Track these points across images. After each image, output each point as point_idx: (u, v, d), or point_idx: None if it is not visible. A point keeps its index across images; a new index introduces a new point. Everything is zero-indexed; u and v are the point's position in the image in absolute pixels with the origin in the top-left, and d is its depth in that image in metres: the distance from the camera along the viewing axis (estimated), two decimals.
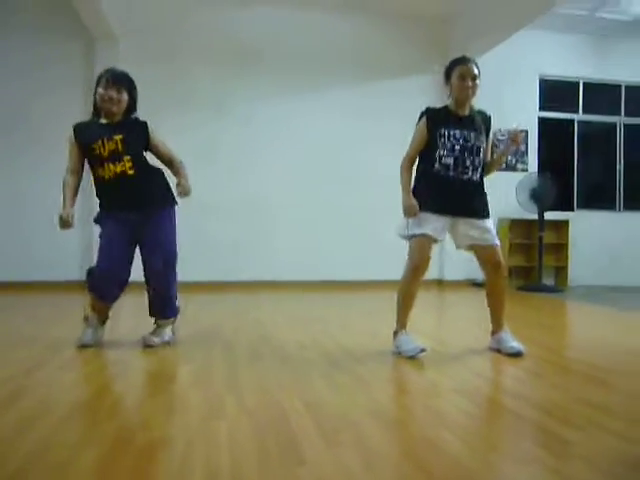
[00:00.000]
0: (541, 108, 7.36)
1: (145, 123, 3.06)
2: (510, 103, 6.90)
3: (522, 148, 7.21)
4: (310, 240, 6.60)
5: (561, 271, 7.27)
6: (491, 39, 6.17)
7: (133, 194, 2.97)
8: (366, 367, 2.67)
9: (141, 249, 3.06)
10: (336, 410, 2.02)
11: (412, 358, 2.83)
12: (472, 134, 2.94)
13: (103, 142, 2.91)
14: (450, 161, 2.91)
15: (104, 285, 3.00)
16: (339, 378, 2.46)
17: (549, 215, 6.87)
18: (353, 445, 1.67)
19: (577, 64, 7.40)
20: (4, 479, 1.42)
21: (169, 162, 3.13)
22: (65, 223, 2.87)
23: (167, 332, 3.17)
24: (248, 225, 6.48)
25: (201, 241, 6.26)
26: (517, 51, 6.81)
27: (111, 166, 2.92)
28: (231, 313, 4.40)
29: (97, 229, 3.08)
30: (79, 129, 3.03)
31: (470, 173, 2.94)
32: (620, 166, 7.69)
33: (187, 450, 1.62)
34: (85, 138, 2.98)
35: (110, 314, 3.18)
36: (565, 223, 7.19)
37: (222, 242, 6.36)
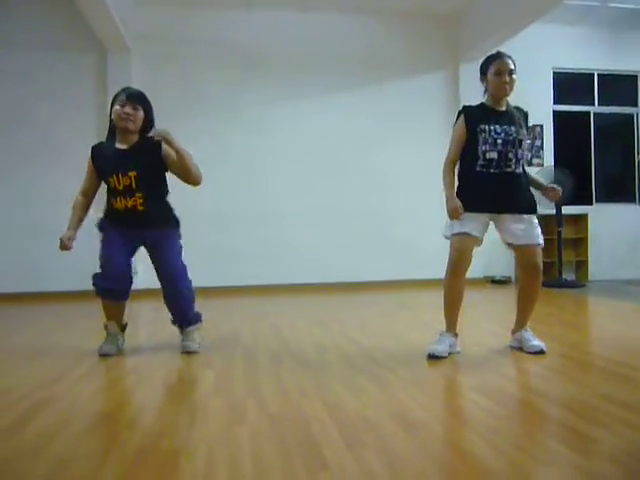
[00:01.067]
0: (555, 102, 7.29)
1: (159, 144, 2.97)
2: (524, 98, 6.76)
3: (537, 143, 7.15)
4: (325, 242, 6.59)
5: (581, 266, 7.19)
6: (502, 34, 6.12)
7: (140, 223, 3.05)
8: (386, 368, 2.66)
9: (157, 267, 3.12)
10: (357, 413, 2.02)
11: (429, 356, 2.82)
12: (512, 127, 2.91)
13: (118, 177, 2.97)
14: (494, 156, 2.87)
15: (108, 283, 3.03)
16: (359, 380, 2.46)
17: (567, 210, 6.80)
18: (375, 448, 1.67)
19: (591, 56, 7.31)
20: None
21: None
22: (64, 246, 2.97)
23: (197, 336, 3.21)
24: (262, 229, 6.49)
25: (215, 246, 6.28)
26: (529, 45, 6.73)
27: (123, 200, 3.00)
28: (249, 318, 4.42)
29: None
30: (97, 153, 3.09)
31: (513, 166, 2.90)
32: (639, 157, 7.58)
33: (210, 457, 1.63)
34: (101, 166, 3.05)
35: (126, 321, 3.21)
36: (584, 217, 7.10)
37: (236, 246, 6.37)
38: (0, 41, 6.12)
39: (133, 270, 3.17)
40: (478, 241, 2.95)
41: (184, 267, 3.14)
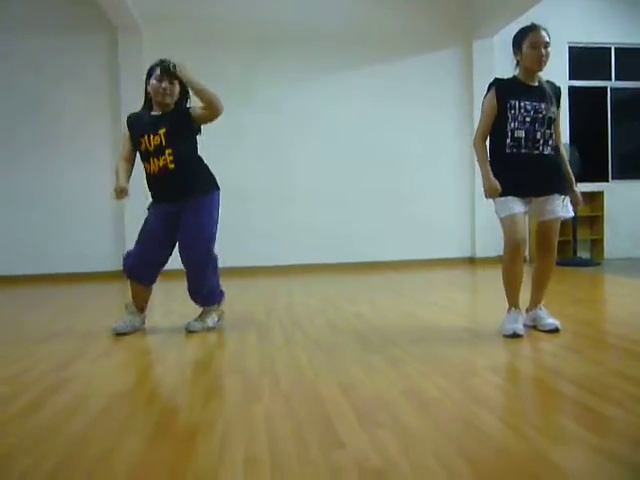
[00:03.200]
0: (571, 77, 7.16)
1: (188, 109, 3.09)
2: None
3: None
4: (339, 222, 6.59)
5: (597, 244, 7.12)
6: (516, 9, 6.00)
7: (173, 187, 3.04)
8: (400, 348, 2.67)
9: (178, 236, 3.10)
10: (371, 392, 2.03)
11: (505, 337, 2.79)
12: (543, 105, 2.85)
13: (149, 137, 3.01)
14: (522, 134, 2.82)
15: (137, 266, 3.07)
16: (373, 359, 2.47)
17: (583, 187, 6.68)
18: (390, 427, 1.68)
19: (608, 29, 7.16)
20: (49, 470, 1.46)
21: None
22: (120, 194, 2.95)
23: (211, 318, 3.22)
24: (277, 209, 6.50)
25: (230, 226, 6.28)
26: (544, 20, 6.46)
27: (155, 160, 3.02)
28: (263, 298, 4.44)
29: (128, 223, 3.14)
30: (131, 120, 3.15)
31: (541, 147, 2.85)
32: None
33: (226, 435, 1.65)
34: (134, 131, 3.09)
35: (147, 304, 3.24)
36: (600, 194, 7.02)
37: (251, 227, 6.39)
38: (9, 26, 6.12)
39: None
40: (525, 215, 2.91)
41: (211, 241, 3.12)
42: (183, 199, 3.05)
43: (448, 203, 6.80)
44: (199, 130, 3.13)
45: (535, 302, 3.02)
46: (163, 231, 3.07)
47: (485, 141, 2.91)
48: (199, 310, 3.25)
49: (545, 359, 2.53)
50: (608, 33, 7.18)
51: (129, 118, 3.17)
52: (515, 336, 2.79)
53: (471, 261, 6.82)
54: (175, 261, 3.14)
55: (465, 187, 6.81)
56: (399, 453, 1.49)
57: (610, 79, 7.33)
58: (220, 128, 6.15)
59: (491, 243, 6.70)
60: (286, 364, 2.44)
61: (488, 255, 6.71)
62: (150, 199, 3.18)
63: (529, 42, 2.84)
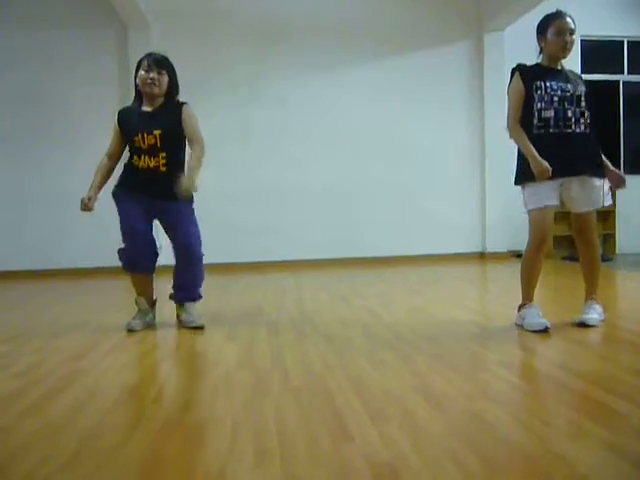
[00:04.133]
0: (583, 71, 7.08)
1: (182, 105, 3.08)
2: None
3: None
4: (349, 218, 6.57)
5: (609, 239, 7.06)
6: (528, 2, 5.94)
7: (158, 187, 3.03)
8: (410, 343, 2.66)
9: (172, 232, 3.12)
10: (381, 386, 2.02)
11: (535, 333, 2.74)
12: (569, 85, 2.84)
13: (143, 136, 3.00)
14: (550, 114, 2.78)
15: (133, 255, 3.06)
16: (383, 354, 2.46)
17: None
18: (399, 421, 1.67)
19: (620, 22, 7.08)
20: (60, 461, 1.48)
21: (191, 144, 3.08)
22: (85, 206, 3.00)
23: (196, 311, 3.21)
24: (286, 205, 6.49)
25: (239, 222, 6.31)
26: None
27: (146, 159, 3.01)
28: (273, 293, 4.44)
29: None
30: (122, 115, 3.14)
31: (574, 126, 2.81)
32: None
33: (236, 429, 1.65)
34: (127, 127, 3.07)
35: (156, 296, 3.25)
36: (612, 189, 6.95)
37: (260, 222, 6.38)
38: (19, 19, 6.14)
39: (158, 244, 3.19)
40: (557, 207, 2.87)
41: (199, 239, 3.13)
42: (165, 200, 3.04)
43: (458, 198, 6.76)
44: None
45: (587, 294, 3.00)
46: (142, 215, 3.06)
47: (519, 123, 2.86)
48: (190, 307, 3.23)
49: (556, 355, 2.51)
50: (621, 26, 7.10)
51: (120, 113, 3.15)
52: (546, 330, 2.74)
53: (481, 256, 6.79)
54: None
55: (476, 181, 6.77)
56: (409, 447, 1.49)
57: (623, 73, 7.25)
58: (227, 123, 6.23)
59: (502, 238, 6.67)
60: (296, 359, 2.44)
61: (498, 250, 6.68)
62: (116, 184, 3.13)
63: (554, 29, 2.83)
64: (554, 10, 2.93)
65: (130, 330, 3.07)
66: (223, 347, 2.73)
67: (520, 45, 6.72)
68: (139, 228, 3.05)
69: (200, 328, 3.08)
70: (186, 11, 6.31)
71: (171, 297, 3.23)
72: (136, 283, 3.18)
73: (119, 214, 3.09)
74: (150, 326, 3.18)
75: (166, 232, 3.16)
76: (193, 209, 3.15)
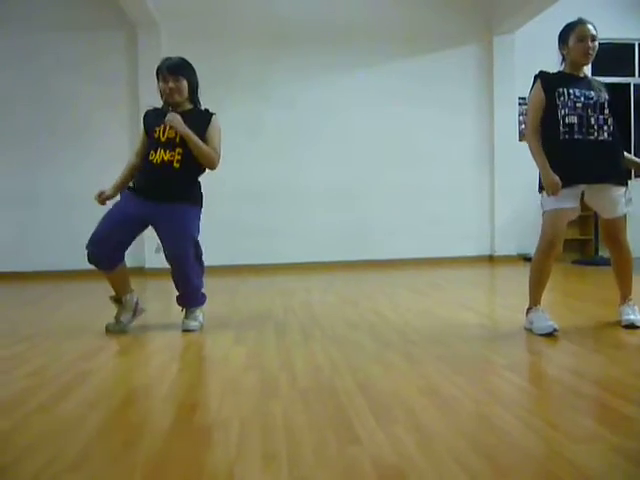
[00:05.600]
0: (593, 73, 7.04)
1: (212, 115, 3.09)
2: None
3: None
4: (357, 220, 6.58)
5: None
6: (538, 5, 5.94)
7: (167, 185, 3.01)
8: (416, 345, 2.66)
9: (162, 242, 3.08)
10: (388, 389, 2.02)
11: (544, 336, 2.73)
12: (592, 92, 2.85)
13: (165, 128, 3.00)
14: (574, 120, 2.79)
15: (94, 248, 2.97)
16: (390, 356, 2.46)
17: None
18: (406, 423, 1.67)
19: (631, 25, 7.04)
20: (69, 460, 1.49)
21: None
22: (98, 199, 3.06)
23: (199, 316, 3.20)
24: (294, 207, 6.50)
25: (247, 224, 6.33)
26: (566, 15, 6.47)
27: (162, 152, 2.99)
28: (281, 295, 4.45)
29: None
30: (148, 114, 3.17)
31: (596, 133, 2.81)
32: None
33: (244, 431, 1.66)
34: (150, 123, 3.09)
35: (128, 296, 3.18)
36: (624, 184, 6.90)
37: (268, 224, 6.40)
38: (28, 20, 6.20)
39: (156, 246, 3.14)
40: (575, 212, 2.87)
41: (196, 247, 3.09)
42: (170, 200, 3.00)
43: (467, 201, 6.75)
44: None
45: (624, 296, 3.01)
46: (128, 222, 2.99)
47: (537, 134, 2.85)
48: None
49: (565, 358, 2.50)
50: (631, 29, 7.06)
51: (147, 112, 3.18)
52: (555, 332, 2.73)
53: (490, 259, 6.77)
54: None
55: (484, 184, 6.75)
56: (416, 450, 1.49)
57: (633, 75, 7.21)
58: (236, 124, 6.24)
59: (511, 241, 6.65)
60: (303, 361, 2.44)
61: (507, 253, 6.65)
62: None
63: (576, 35, 2.86)
64: (575, 18, 2.95)
65: (107, 330, 3.08)
66: (231, 349, 2.74)
67: (530, 48, 6.75)
68: (107, 226, 2.97)
69: (192, 331, 3.07)
70: (195, 12, 6.35)
71: (177, 300, 3.23)
72: (105, 277, 3.14)
73: (107, 211, 3.04)
74: (134, 320, 3.17)
75: (159, 237, 3.10)
76: (198, 213, 3.13)
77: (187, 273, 3.08)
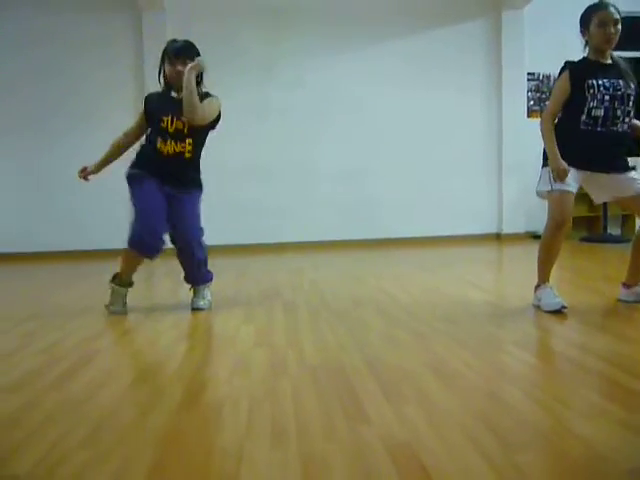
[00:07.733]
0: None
1: (208, 96, 3.05)
2: (573, 45, 6.50)
3: None
4: (365, 199, 6.54)
5: (628, 220, 6.96)
6: None
7: (179, 174, 3.05)
8: (424, 323, 2.66)
9: (173, 225, 3.08)
10: (396, 366, 2.03)
11: (552, 313, 2.72)
12: (621, 82, 2.79)
13: (172, 118, 2.97)
14: (600, 113, 2.75)
15: (151, 239, 2.97)
16: (398, 334, 2.47)
17: None
18: (415, 400, 1.68)
19: None
20: (81, 437, 1.51)
21: None
22: (81, 174, 3.19)
23: (207, 294, 3.22)
24: (302, 185, 6.47)
25: (255, 203, 6.31)
26: None
27: (173, 144, 2.99)
28: (289, 274, 4.45)
29: None
30: (150, 99, 3.14)
31: (619, 125, 2.79)
32: None
33: (253, 408, 1.67)
34: (155, 109, 3.06)
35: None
36: (631, 169, 6.84)
37: (276, 203, 6.38)
38: (36, 2, 6.14)
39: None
40: (575, 192, 2.86)
41: (201, 231, 3.14)
42: (183, 187, 3.06)
43: (475, 179, 6.69)
44: (213, 126, 3.10)
45: (635, 278, 2.95)
46: (162, 200, 3.01)
47: (554, 120, 2.84)
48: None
49: (573, 335, 2.50)
50: None
51: (148, 97, 3.16)
52: (563, 309, 2.73)
53: (497, 237, 6.74)
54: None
55: (492, 161, 6.69)
56: (425, 427, 1.49)
57: None
58: (244, 105, 6.20)
59: (519, 219, 6.61)
60: (312, 339, 2.45)
61: (515, 231, 6.62)
62: (130, 169, 3.10)
63: (597, 20, 2.77)
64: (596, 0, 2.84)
65: (112, 313, 3.07)
66: (240, 327, 2.75)
67: (540, 24, 6.63)
68: (159, 208, 3.00)
69: (202, 310, 3.10)
70: None
71: (185, 279, 3.26)
72: (130, 262, 3.11)
73: (135, 194, 3.05)
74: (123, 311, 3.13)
75: (167, 221, 3.08)
76: (201, 195, 3.18)
77: (195, 254, 3.12)
